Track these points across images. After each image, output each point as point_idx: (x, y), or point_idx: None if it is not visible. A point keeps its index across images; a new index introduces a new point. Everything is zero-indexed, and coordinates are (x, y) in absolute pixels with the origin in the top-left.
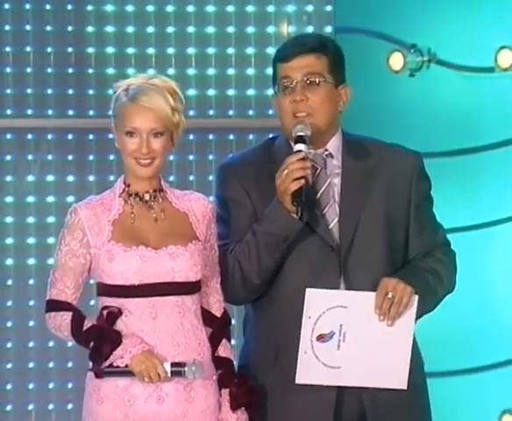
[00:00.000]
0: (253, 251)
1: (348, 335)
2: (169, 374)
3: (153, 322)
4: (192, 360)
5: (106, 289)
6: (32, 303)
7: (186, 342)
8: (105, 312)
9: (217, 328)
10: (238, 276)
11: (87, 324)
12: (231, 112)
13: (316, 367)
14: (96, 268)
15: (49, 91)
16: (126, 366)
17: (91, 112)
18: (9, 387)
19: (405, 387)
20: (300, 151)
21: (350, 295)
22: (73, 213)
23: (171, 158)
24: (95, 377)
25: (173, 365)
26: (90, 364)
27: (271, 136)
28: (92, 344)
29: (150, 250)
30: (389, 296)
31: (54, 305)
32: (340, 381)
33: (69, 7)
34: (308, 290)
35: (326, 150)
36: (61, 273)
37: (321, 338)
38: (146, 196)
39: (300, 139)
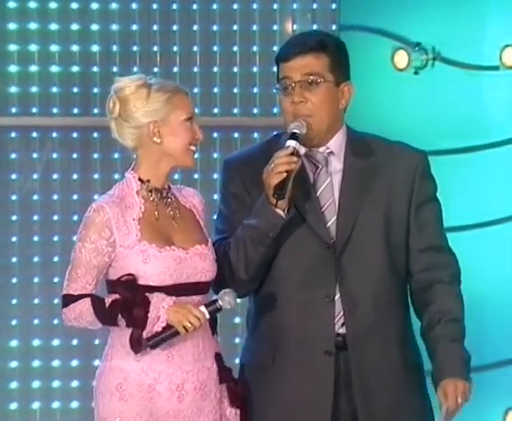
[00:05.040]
0: (241, 245)
1: None
2: (207, 315)
3: None
4: (222, 292)
5: None
6: (36, 301)
7: (203, 340)
8: (123, 280)
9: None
10: (227, 269)
11: (108, 301)
12: (235, 110)
13: None
14: (121, 267)
15: (54, 89)
16: (165, 327)
17: (96, 110)
18: (13, 385)
19: None
20: (288, 146)
21: None
22: (100, 211)
23: None
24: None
25: (206, 306)
26: (121, 346)
27: (275, 133)
28: (122, 316)
29: (180, 250)
30: (459, 401)
31: (72, 299)
32: None
33: (74, 5)
34: None
35: (328, 148)
36: (84, 270)
37: None
38: (164, 193)
39: (292, 136)
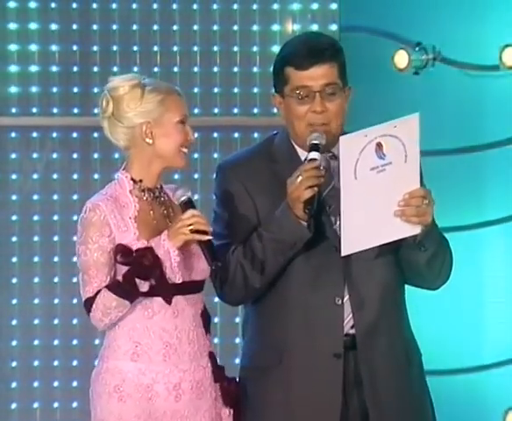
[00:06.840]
0: (258, 255)
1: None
2: (196, 212)
3: (175, 320)
4: (177, 193)
5: None
6: (36, 301)
7: (198, 339)
8: (119, 256)
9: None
10: (240, 279)
11: (120, 278)
12: (235, 110)
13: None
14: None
15: (54, 89)
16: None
17: (96, 110)
18: (14, 385)
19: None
20: (314, 159)
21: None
22: (96, 210)
23: None
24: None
25: (184, 210)
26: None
27: (273, 133)
28: (140, 278)
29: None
30: (426, 201)
31: (92, 300)
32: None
33: (74, 5)
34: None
35: (330, 152)
36: (95, 271)
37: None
38: (156, 192)
39: (314, 147)
